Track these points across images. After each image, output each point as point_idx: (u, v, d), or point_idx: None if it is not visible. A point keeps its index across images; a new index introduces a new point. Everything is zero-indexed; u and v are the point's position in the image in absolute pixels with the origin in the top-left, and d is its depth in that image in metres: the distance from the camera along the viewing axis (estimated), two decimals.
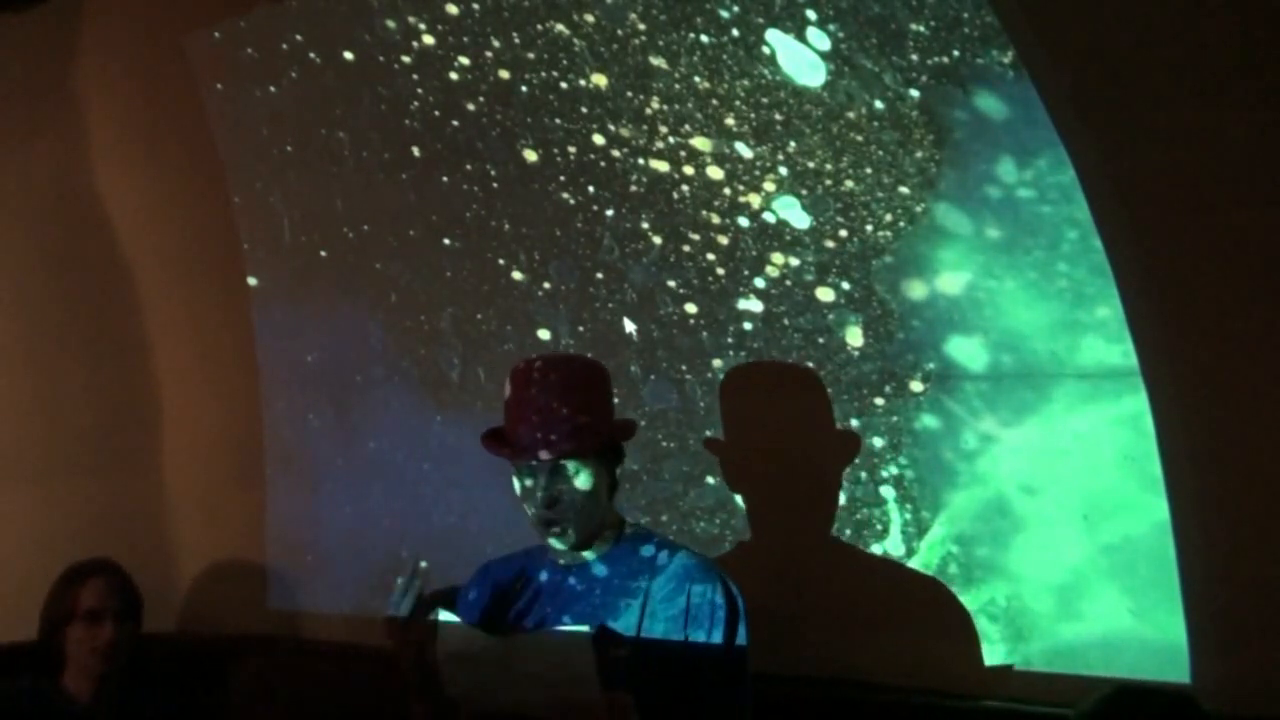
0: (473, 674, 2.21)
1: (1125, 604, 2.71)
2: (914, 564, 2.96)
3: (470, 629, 2.26)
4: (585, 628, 2.14)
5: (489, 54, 3.44)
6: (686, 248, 3.21)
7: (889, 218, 2.91)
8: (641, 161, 3.24)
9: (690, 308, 3.24)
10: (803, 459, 3.08)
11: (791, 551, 3.08)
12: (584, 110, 3.31)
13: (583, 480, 2.32)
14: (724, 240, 3.15)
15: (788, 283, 3.07)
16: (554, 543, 2.37)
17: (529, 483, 2.34)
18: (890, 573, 2.98)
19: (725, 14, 3.01)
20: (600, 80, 3.26)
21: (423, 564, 2.34)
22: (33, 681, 3.08)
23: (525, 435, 2.32)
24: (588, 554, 2.39)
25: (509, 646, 2.20)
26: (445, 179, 3.63)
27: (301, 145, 3.94)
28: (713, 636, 2.31)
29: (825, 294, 3.03)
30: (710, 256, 3.18)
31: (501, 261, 3.57)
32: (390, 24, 3.60)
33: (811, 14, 2.89)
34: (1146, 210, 2.56)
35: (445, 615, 2.25)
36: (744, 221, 3.11)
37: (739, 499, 3.15)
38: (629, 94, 3.22)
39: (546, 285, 3.50)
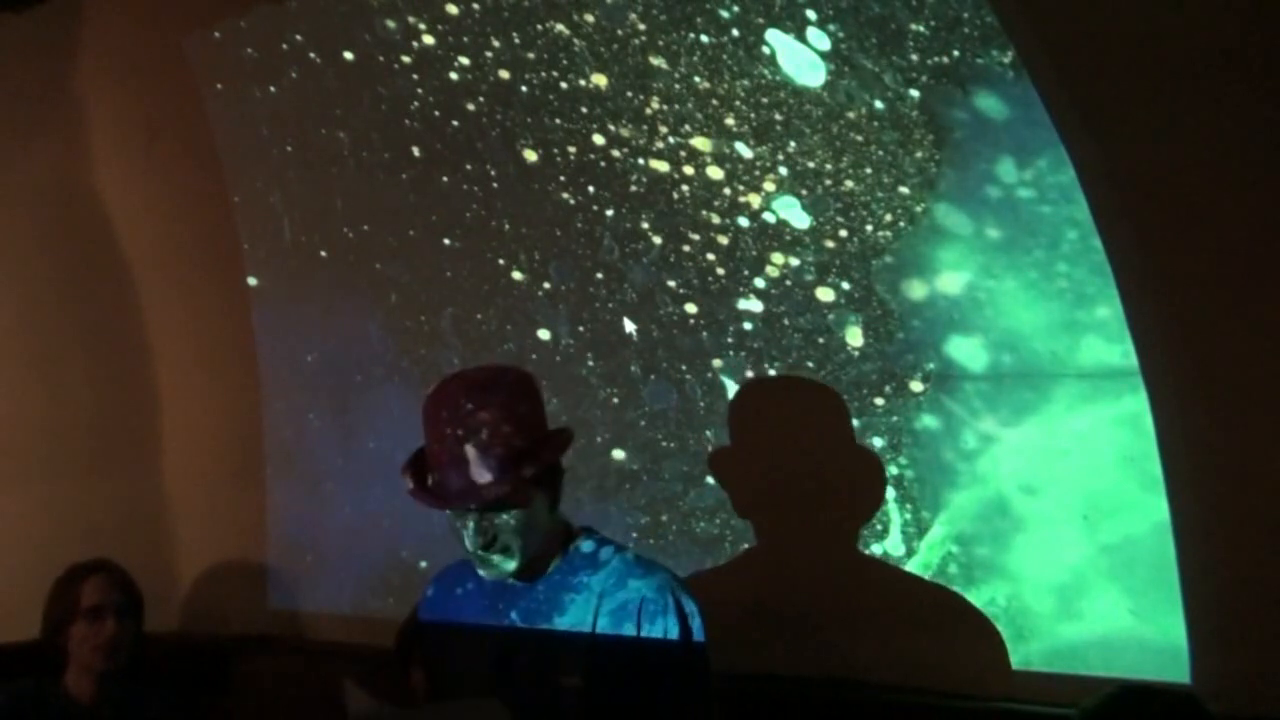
0: None
1: (1125, 604, 2.71)
2: (914, 564, 2.95)
3: (375, 703, 2.15)
4: (495, 701, 2.02)
5: (489, 54, 3.44)
6: (686, 248, 3.21)
7: (889, 218, 2.91)
8: (641, 161, 3.24)
9: (690, 308, 3.24)
10: (812, 467, 3.07)
11: (798, 555, 3.08)
12: (584, 110, 3.31)
13: (516, 515, 2.13)
14: (724, 240, 3.15)
15: (788, 283, 3.07)
16: (499, 573, 2.21)
17: (457, 523, 2.17)
18: (905, 583, 2.97)
19: (725, 14, 3.01)
20: (600, 80, 3.26)
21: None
22: (35, 682, 3.10)
23: (444, 476, 2.12)
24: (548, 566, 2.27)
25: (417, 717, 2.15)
26: (445, 179, 3.63)
27: (301, 145, 3.94)
28: (669, 631, 2.19)
29: (825, 294, 3.03)
30: (710, 256, 3.18)
31: (501, 261, 3.57)
32: (390, 24, 3.60)
33: (811, 14, 2.89)
34: (1146, 210, 2.56)
35: (351, 687, 2.14)
36: (744, 221, 3.11)
37: (741, 499, 3.15)
38: (629, 94, 3.22)
39: (546, 285, 3.50)
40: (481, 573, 2.22)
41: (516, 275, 3.55)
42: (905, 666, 2.93)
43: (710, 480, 3.23)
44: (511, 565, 2.19)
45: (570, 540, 2.28)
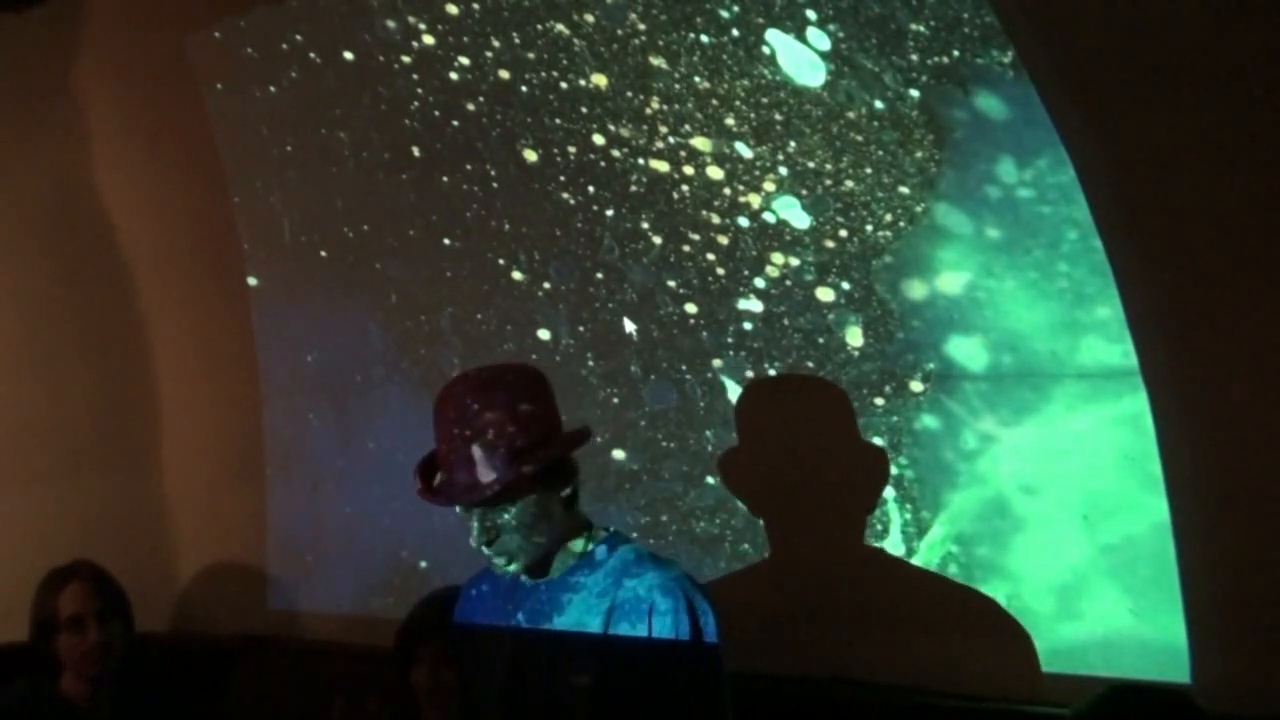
0: None
1: (1125, 604, 2.71)
2: (914, 564, 2.95)
3: None
4: None
5: (489, 54, 3.44)
6: (686, 248, 3.21)
7: (889, 218, 2.91)
8: (641, 161, 3.24)
9: (690, 308, 3.24)
10: (818, 465, 3.07)
11: (803, 555, 3.08)
12: (584, 110, 3.31)
13: (516, 513, 2.14)
14: (724, 240, 3.15)
15: (788, 283, 3.07)
16: (505, 571, 2.24)
17: (465, 521, 2.19)
18: (929, 581, 2.96)
19: (725, 14, 3.01)
20: (600, 80, 3.26)
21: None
22: (31, 684, 3.10)
23: (449, 475, 2.15)
24: (561, 565, 2.27)
25: None
26: (445, 179, 3.63)
27: (301, 145, 3.94)
28: (670, 631, 2.16)
29: (825, 294, 3.03)
30: (710, 256, 3.18)
31: (501, 261, 3.57)
32: (390, 24, 3.60)
33: (811, 14, 2.89)
34: (1146, 210, 2.56)
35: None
36: (744, 221, 3.11)
37: (742, 501, 3.15)
38: (629, 94, 3.22)
39: (546, 285, 3.50)
40: (495, 570, 2.23)
41: (516, 275, 3.55)
42: (922, 667, 2.93)
43: (710, 480, 3.23)
44: (516, 564, 2.20)
45: (589, 538, 2.27)
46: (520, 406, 2.15)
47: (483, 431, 2.12)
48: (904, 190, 2.88)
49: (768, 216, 3.07)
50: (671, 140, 3.18)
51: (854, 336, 3.01)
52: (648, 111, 3.19)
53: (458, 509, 2.18)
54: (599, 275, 3.39)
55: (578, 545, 2.26)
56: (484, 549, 2.18)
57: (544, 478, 2.16)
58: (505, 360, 3.38)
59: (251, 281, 4.16)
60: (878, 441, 2.98)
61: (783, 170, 3.03)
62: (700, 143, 3.14)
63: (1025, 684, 2.80)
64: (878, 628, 2.99)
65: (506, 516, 2.15)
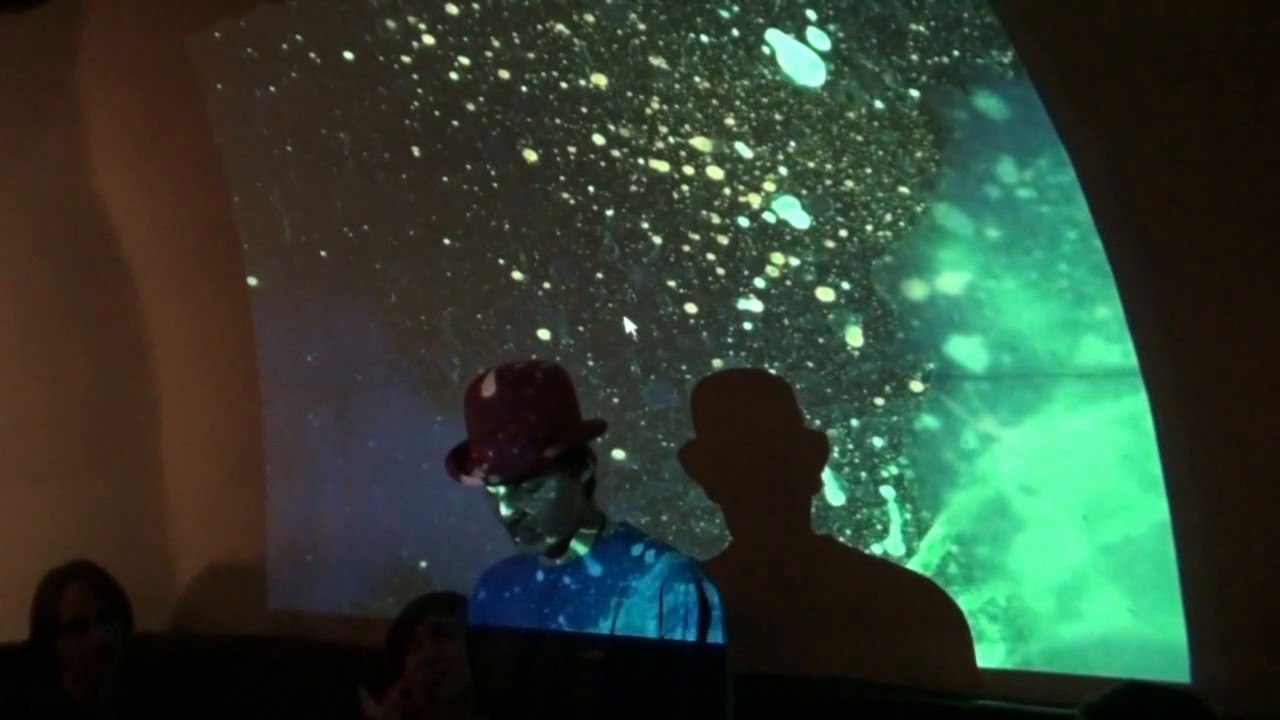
0: None
1: (1125, 604, 2.71)
2: (914, 564, 2.95)
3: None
4: None
5: (489, 54, 3.44)
6: (686, 248, 3.21)
7: (889, 218, 2.91)
8: (641, 161, 3.24)
9: (690, 308, 3.24)
10: (780, 462, 3.08)
11: (777, 553, 3.08)
12: (584, 110, 3.31)
13: (544, 493, 2.30)
14: (724, 240, 3.15)
15: (788, 283, 3.07)
16: (530, 548, 2.38)
17: (496, 504, 2.34)
18: (882, 572, 2.98)
19: (725, 14, 3.01)
20: (600, 80, 3.26)
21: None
22: (33, 683, 3.10)
23: (475, 458, 2.31)
24: (579, 548, 2.38)
25: None
26: (445, 179, 3.63)
27: (301, 145, 3.94)
28: (686, 637, 2.30)
29: (825, 294, 3.03)
30: (710, 256, 3.18)
31: (501, 261, 3.57)
32: (390, 24, 3.61)
33: (811, 14, 2.89)
34: (1146, 210, 2.56)
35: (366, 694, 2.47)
36: (744, 221, 3.11)
37: (724, 503, 3.15)
38: (629, 94, 3.22)
39: (546, 285, 3.50)
40: (524, 548, 2.37)
41: (516, 275, 3.55)
42: (870, 658, 2.94)
43: None
44: (541, 543, 2.34)
45: (603, 527, 2.41)
46: (539, 399, 2.32)
47: (512, 420, 2.28)
48: (904, 190, 2.88)
49: (768, 216, 3.07)
50: (671, 140, 3.18)
51: (854, 336, 3.01)
52: (648, 111, 3.19)
53: (489, 489, 2.32)
54: (599, 275, 3.39)
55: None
56: (514, 526, 2.32)
57: (566, 462, 2.32)
58: (506, 360, 3.41)
59: (251, 281, 4.16)
60: (877, 441, 2.98)
61: (783, 170, 3.03)
62: (700, 143, 3.14)
63: (959, 661, 2.83)
64: (862, 627, 3.00)
65: (534, 495, 2.30)
